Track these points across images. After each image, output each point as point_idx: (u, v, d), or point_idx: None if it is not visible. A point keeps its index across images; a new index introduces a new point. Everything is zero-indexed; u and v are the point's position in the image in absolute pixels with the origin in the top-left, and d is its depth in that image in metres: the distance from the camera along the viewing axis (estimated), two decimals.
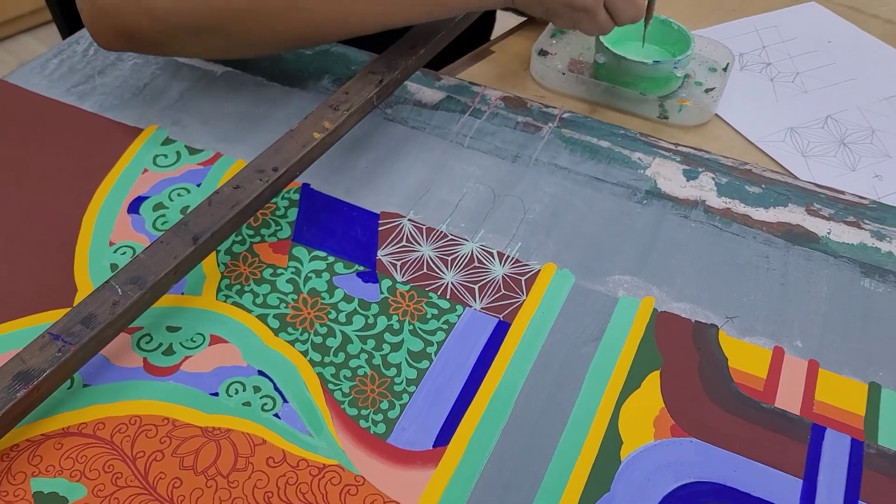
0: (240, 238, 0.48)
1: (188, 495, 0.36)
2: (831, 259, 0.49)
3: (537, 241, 0.49)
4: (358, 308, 0.45)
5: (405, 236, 0.49)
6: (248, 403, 0.40)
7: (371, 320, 0.44)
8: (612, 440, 0.39)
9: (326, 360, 0.42)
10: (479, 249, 0.48)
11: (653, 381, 0.42)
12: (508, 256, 0.48)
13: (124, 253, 0.47)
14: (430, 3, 0.50)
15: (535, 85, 0.63)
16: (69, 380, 0.40)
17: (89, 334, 0.37)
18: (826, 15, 0.73)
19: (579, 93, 0.62)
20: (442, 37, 0.58)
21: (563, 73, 0.62)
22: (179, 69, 0.61)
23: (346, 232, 0.49)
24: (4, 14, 1.79)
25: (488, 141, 0.56)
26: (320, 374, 0.41)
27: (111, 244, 0.47)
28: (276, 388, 0.41)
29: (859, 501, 0.38)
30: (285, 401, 0.40)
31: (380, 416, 0.40)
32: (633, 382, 0.42)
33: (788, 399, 0.42)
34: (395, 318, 0.44)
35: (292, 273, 0.46)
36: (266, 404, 0.40)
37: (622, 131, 0.57)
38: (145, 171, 0.52)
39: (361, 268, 0.47)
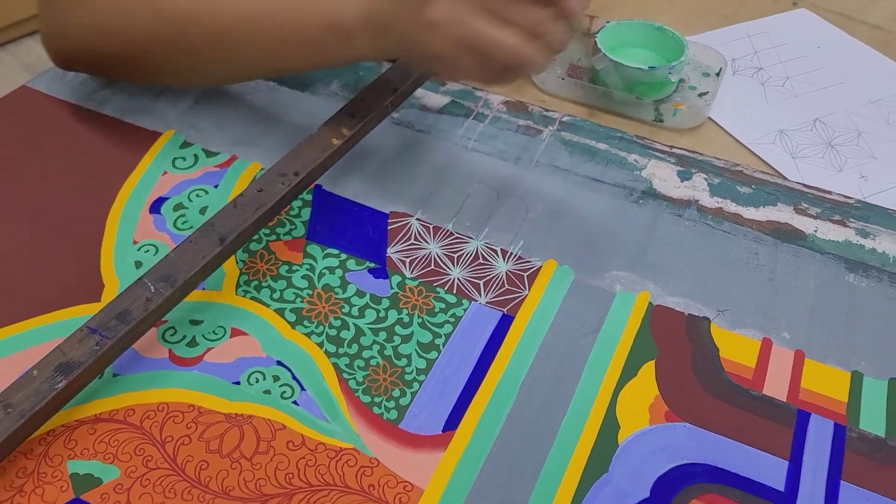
0: (257, 237, 0.50)
1: (214, 476, 0.39)
2: (818, 255, 0.52)
3: (539, 239, 0.52)
4: (370, 302, 0.47)
5: (413, 235, 0.51)
6: (268, 391, 0.42)
7: (382, 314, 0.47)
8: (609, 425, 0.42)
9: (341, 351, 0.45)
10: (483, 247, 0.51)
11: (648, 370, 0.45)
12: (511, 253, 0.51)
13: (147, 251, 0.49)
14: (330, 56, 0.50)
15: (536, 90, 0.66)
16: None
17: (124, 329, 0.40)
18: (816, 21, 0.76)
19: (578, 97, 0.64)
20: None
21: (563, 79, 0.64)
22: None
23: (357, 231, 0.51)
24: (8, 17, 1.81)
25: (491, 144, 0.58)
26: (335, 365, 0.44)
27: (135, 242, 0.50)
28: (294, 377, 0.43)
29: (841, 481, 0.40)
30: (303, 389, 0.43)
31: (392, 403, 0.42)
32: (629, 371, 0.44)
33: (776, 387, 0.44)
34: (404, 311, 0.47)
35: (307, 270, 0.49)
36: (285, 392, 0.42)
37: (619, 134, 0.60)
38: (165, 173, 0.55)
39: (372, 264, 0.49)
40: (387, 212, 0.53)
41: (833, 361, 0.46)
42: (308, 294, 0.47)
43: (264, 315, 0.46)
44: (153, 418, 0.41)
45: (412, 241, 0.51)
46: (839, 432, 0.42)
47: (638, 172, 0.57)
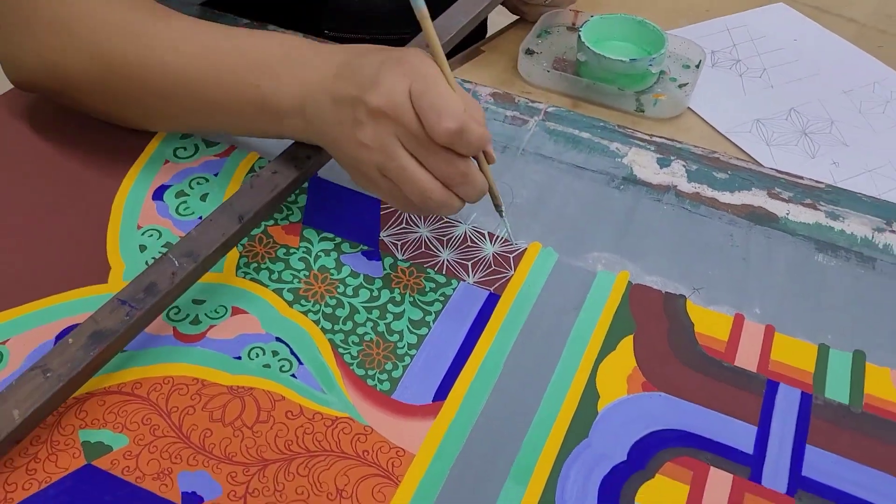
0: None
1: (218, 443, 0.41)
2: (789, 237, 0.54)
3: (524, 223, 0.54)
4: (363, 283, 0.50)
5: (404, 219, 0.54)
6: (267, 366, 0.45)
7: (375, 293, 0.49)
8: (590, 395, 0.45)
9: (336, 328, 0.47)
10: (471, 230, 0.53)
11: (627, 344, 0.47)
12: (498, 237, 0.53)
13: (151, 235, 0.52)
14: (261, 130, 0.51)
15: (522, 82, 0.68)
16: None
17: (152, 300, 0.42)
18: (793, 15, 0.79)
19: (563, 89, 0.67)
20: (450, 39, 0.64)
21: (548, 71, 0.67)
22: None
23: (352, 216, 0.54)
24: None
25: None
26: (331, 340, 0.46)
27: (139, 227, 0.52)
28: (292, 352, 0.46)
29: (807, 445, 0.43)
30: (300, 363, 0.45)
31: (385, 376, 0.45)
32: (609, 345, 0.47)
33: (747, 359, 0.47)
34: (396, 291, 0.49)
35: (303, 252, 0.51)
36: (283, 366, 0.45)
37: (601, 123, 0.62)
38: (166, 162, 0.57)
39: (365, 247, 0.52)
40: (381, 200, 0.55)
41: (801, 335, 0.48)
42: (305, 275, 0.50)
43: (263, 295, 0.49)
44: (159, 391, 0.43)
45: (403, 225, 0.54)
46: (805, 400, 0.45)
47: (619, 160, 0.59)
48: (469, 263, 0.51)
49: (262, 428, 0.42)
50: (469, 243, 0.53)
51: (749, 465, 0.42)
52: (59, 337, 0.45)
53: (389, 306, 0.48)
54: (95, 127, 0.58)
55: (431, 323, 0.48)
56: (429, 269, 0.51)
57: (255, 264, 0.50)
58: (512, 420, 0.43)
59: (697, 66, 0.68)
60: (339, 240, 0.52)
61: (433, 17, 0.46)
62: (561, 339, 0.47)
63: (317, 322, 0.47)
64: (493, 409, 0.44)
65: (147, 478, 0.40)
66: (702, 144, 0.62)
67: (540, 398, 0.44)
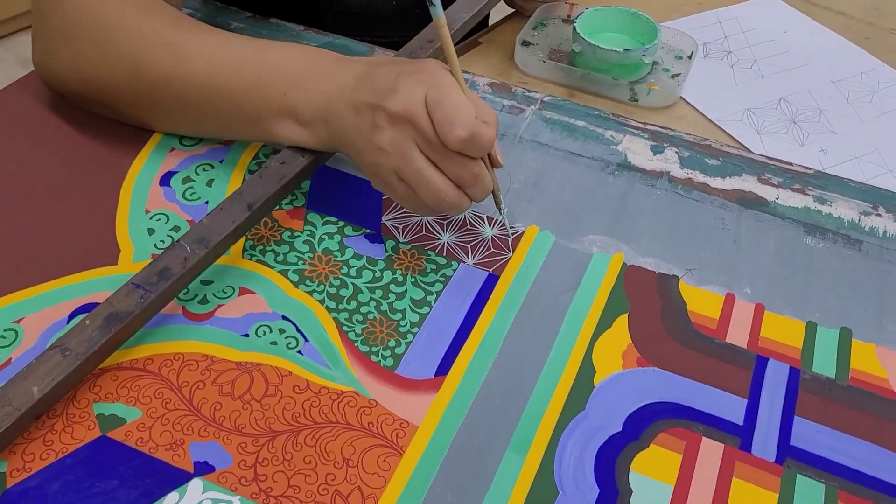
0: None
1: (228, 416, 0.43)
2: (779, 220, 0.56)
3: (522, 208, 0.56)
4: (366, 264, 0.51)
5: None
6: (274, 343, 0.46)
7: (378, 274, 0.51)
8: (586, 370, 0.46)
9: (341, 307, 0.49)
10: (471, 214, 0.55)
11: (622, 322, 0.49)
12: (496, 220, 0.55)
13: (159, 219, 0.53)
14: (284, 139, 0.53)
15: (519, 72, 0.70)
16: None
17: (165, 284, 0.44)
18: (783, 8, 0.80)
19: (558, 79, 0.68)
20: (453, 34, 0.65)
21: (544, 61, 0.68)
22: None
23: (354, 201, 0.55)
24: (4, 13, 1.84)
25: None
26: (335, 319, 0.48)
27: (147, 212, 0.53)
28: (298, 330, 0.47)
29: (795, 416, 0.45)
30: (306, 340, 0.47)
31: (388, 352, 0.46)
32: (604, 323, 0.49)
33: (737, 335, 0.49)
34: (398, 272, 0.51)
35: (308, 235, 0.53)
36: (290, 343, 0.46)
37: (596, 112, 0.64)
38: (173, 149, 0.58)
39: (368, 231, 0.53)
40: None
41: (790, 313, 0.50)
42: (309, 257, 0.51)
43: (269, 276, 0.50)
44: (170, 366, 0.45)
45: (404, 210, 0.55)
46: (794, 374, 0.47)
47: (614, 147, 0.61)
48: (469, 246, 0.53)
49: (271, 401, 0.44)
50: (468, 227, 0.54)
51: (739, 435, 0.44)
52: (72, 316, 0.47)
53: (392, 286, 0.50)
54: (104, 117, 0.59)
55: (433, 302, 0.49)
56: (430, 252, 0.52)
57: (261, 247, 0.52)
58: (511, 394, 0.45)
59: (690, 57, 0.70)
60: (342, 223, 0.54)
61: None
62: (558, 318, 0.49)
63: (321, 301, 0.49)
64: (493, 383, 0.45)
65: (160, 448, 0.41)
66: (694, 133, 0.63)
67: (538, 373, 0.46)
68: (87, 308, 0.47)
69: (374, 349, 0.47)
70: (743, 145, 0.64)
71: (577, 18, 0.68)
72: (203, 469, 0.40)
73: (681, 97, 0.68)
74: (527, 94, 0.66)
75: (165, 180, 0.56)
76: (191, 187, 0.55)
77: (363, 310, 0.49)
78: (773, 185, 0.59)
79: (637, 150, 0.61)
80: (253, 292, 0.49)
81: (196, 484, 0.40)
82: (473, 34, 0.76)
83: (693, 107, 0.67)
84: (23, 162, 0.56)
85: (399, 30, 0.76)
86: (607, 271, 0.52)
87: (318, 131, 0.51)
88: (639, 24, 0.69)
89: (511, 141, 0.61)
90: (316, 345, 0.46)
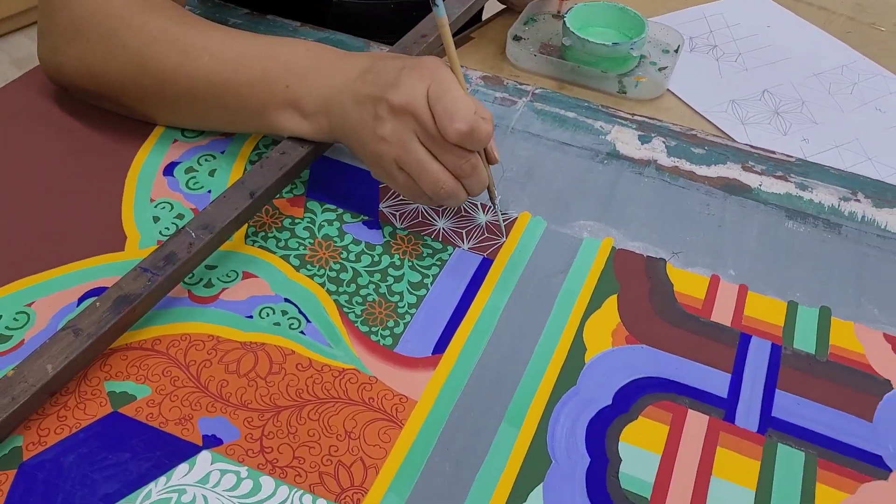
0: None
1: (234, 392, 0.45)
2: (762, 206, 0.58)
3: (514, 195, 0.58)
4: (365, 249, 0.53)
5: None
6: (277, 324, 0.48)
7: (377, 258, 0.53)
8: (577, 347, 0.48)
9: (341, 289, 0.50)
10: (466, 203, 0.57)
11: (611, 302, 0.51)
12: (490, 207, 0.57)
13: (164, 208, 0.55)
14: (289, 130, 0.54)
15: (511, 66, 0.72)
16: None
17: (172, 268, 0.46)
18: (767, 3, 0.83)
19: (549, 72, 0.71)
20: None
21: (535, 55, 0.70)
22: None
23: (352, 189, 0.57)
24: None
25: None
26: (336, 301, 0.50)
27: (151, 200, 0.55)
28: (301, 312, 0.49)
29: (776, 390, 0.47)
30: (308, 321, 0.48)
31: (387, 332, 0.48)
32: (594, 304, 0.51)
33: (722, 314, 0.51)
34: (396, 256, 0.53)
35: (308, 222, 0.55)
36: (293, 324, 0.48)
37: (586, 104, 0.66)
38: (175, 141, 0.60)
39: (366, 217, 0.55)
40: None
41: (772, 293, 0.52)
42: (310, 243, 0.53)
43: (271, 261, 0.52)
44: (177, 346, 0.47)
45: (401, 197, 0.57)
46: (776, 351, 0.49)
47: (603, 137, 0.63)
48: (463, 231, 0.55)
49: (275, 378, 0.45)
50: (463, 213, 0.56)
51: (724, 407, 0.46)
52: (82, 299, 0.48)
53: (390, 270, 0.52)
54: (107, 111, 0.61)
55: (429, 285, 0.51)
56: (426, 237, 0.54)
57: (263, 233, 0.54)
58: (506, 370, 0.47)
59: (676, 51, 0.72)
60: (340, 211, 0.56)
61: (429, 9, 0.50)
62: (550, 299, 0.51)
63: (322, 285, 0.51)
64: (488, 360, 0.47)
65: (169, 423, 0.43)
66: (681, 123, 0.66)
67: (531, 351, 0.48)
68: (95, 292, 0.49)
69: (373, 329, 0.48)
70: (728, 135, 0.66)
71: (566, 13, 0.70)
72: (211, 442, 0.42)
73: (668, 89, 0.70)
74: (518, 86, 0.68)
75: (169, 170, 0.58)
76: (193, 177, 0.57)
77: (362, 292, 0.50)
78: (756, 172, 0.61)
79: (625, 140, 0.63)
80: (256, 276, 0.51)
81: (205, 456, 0.42)
82: (466, 29, 0.78)
83: (680, 98, 0.70)
84: (29, 154, 0.58)
85: (397, 31, 0.78)
86: (597, 255, 0.54)
87: (319, 122, 0.53)
88: (627, 18, 0.71)
89: (503, 132, 0.63)
90: (318, 325, 0.48)
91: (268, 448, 0.42)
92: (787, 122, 0.68)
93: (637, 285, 0.52)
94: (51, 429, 0.42)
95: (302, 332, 0.48)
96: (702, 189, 0.59)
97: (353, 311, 0.49)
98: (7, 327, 0.47)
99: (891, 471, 0.43)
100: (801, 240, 0.56)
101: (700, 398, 0.46)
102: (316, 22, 0.75)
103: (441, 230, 0.55)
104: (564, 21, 0.69)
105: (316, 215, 0.55)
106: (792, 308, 0.51)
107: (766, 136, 0.66)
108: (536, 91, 0.67)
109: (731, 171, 0.61)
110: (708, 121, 0.68)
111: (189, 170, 0.58)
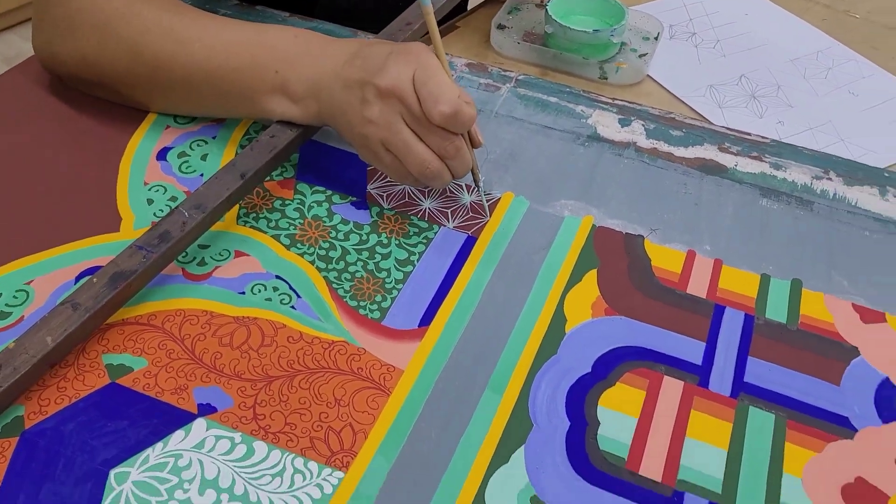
0: None
1: (228, 364, 0.46)
2: (737, 185, 0.60)
3: (498, 176, 0.60)
4: (353, 228, 0.55)
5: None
6: (269, 299, 0.50)
7: (364, 237, 0.54)
8: (558, 319, 0.50)
9: (330, 267, 0.52)
10: (451, 184, 0.59)
11: (591, 277, 0.53)
12: (474, 189, 0.58)
13: (157, 191, 0.56)
14: (278, 114, 0.56)
15: (495, 54, 0.74)
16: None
17: (166, 246, 0.47)
18: None
19: (532, 59, 0.72)
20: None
21: (519, 43, 0.72)
22: None
23: (341, 172, 0.59)
24: None
25: None
26: (325, 277, 0.52)
27: (146, 184, 0.57)
28: (291, 288, 0.51)
29: (749, 356, 0.49)
30: (299, 296, 0.50)
31: (375, 306, 0.50)
32: (575, 278, 0.53)
33: (697, 287, 0.53)
34: (383, 235, 0.55)
35: (298, 203, 0.56)
36: (283, 299, 0.50)
37: (568, 89, 0.68)
38: (168, 127, 0.62)
39: (354, 198, 0.57)
40: None
41: (746, 267, 0.54)
42: (300, 223, 0.55)
43: (263, 240, 0.54)
44: (172, 321, 0.48)
45: (388, 179, 0.59)
46: (748, 320, 0.51)
47: (584, 120, 0.65)
48: (448, 211, 0.57)
49: (267, 350, 0.47)
50: (448, 194, 0.58)
51: (698, 374, 0.48)
52: (79, 277, 0.50)
53: (377, 248, 0.54)
54: (101, 99, 0.62)
55: (416, 262, 0.53)
56: (412, 217, 0.56)
57: (254, 214, 0.55)
58: (489, 341, 0.49)
59: (656, 38, 0.74)
60: (329, 192, 0.57)
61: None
62: (532, 274, 0.53)
63: (312, 262, 0.52)
64: (472, 331, 0.49)
65: (166, 392, 0.45)
66: (660, 107, 0.67)
67: (514, 322, 0.50)
68: (92, 270, 0.50)
69: (361, 304, 0.50)
70: (705, 118, 0.68)
71: (549, 2, 0.72)
72: (206, 410, 0.44)
73: (648, 75, 0.72)
74: (502, 73, 0.69)
75: (162, 155, 0.59)
76: (186, 161, 0.59)
77: (351, 269, 0.52)
78: (732, 153, 0.63)
79: (606, 123, 0.65)
80: (248, 255, 0.53)
81: (200, 423, 0.43)
82: (451, 18, 0.79)
83: (659, 84, 0.72)
84: (26, 142, 0.60)
85: (383, 22, 0.80)
86: (578, 232, 0.56)
87: (308, 106, 0.54)
88: (608, 7, 0.73)
89: (488, 116, 0.65)
90: (308, 300, 0.50)
91: (260, 415, 0.44)
92: (763, 106, 0.70)
93: (616, 260, 0.54)
94: (51, 399, 0.44)
95: (293, 307, 0.50)
96: (679, 169, 0.61)
97: (342, 287, 0.51)
98: (7, 304, 0.48)
99: (856, 430, 0.45)
100: (775, 216, 0.58)
101: (675, 365, 0.48)
102: (304, 12, 0.76)
103: (427, 210, 0.57)
104: (547, 9, 0.71)
105: (305, 197, 0.57)
106: (765, 281, 0.53)
107: (743, 119, 0.68)
108: (520, 77, 0.69)
109: (708, 152, 0.63)
110: (686, 105, 0.70)
111: (182, 154, 0.59)
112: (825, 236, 0.57)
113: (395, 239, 0.54)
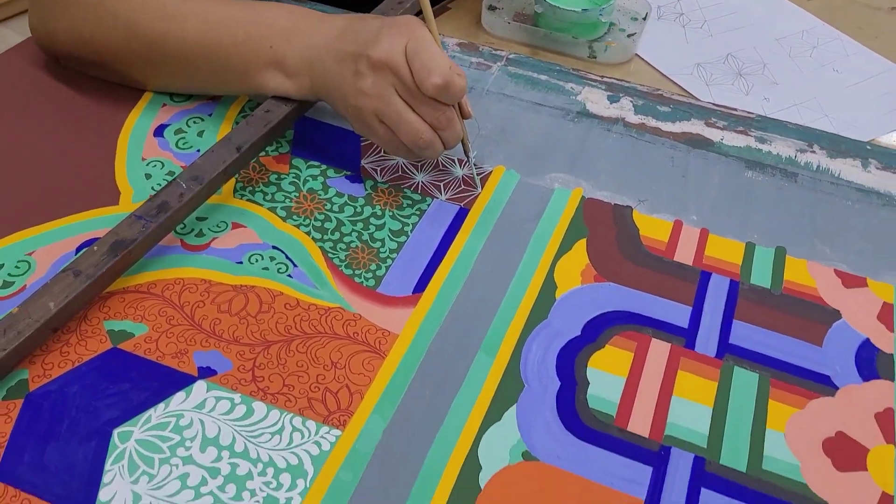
0: None
1: (227, 329, 0.47)
2: (723, 158, 0.62)
3: (489, 151, 0.61)
4: (348, 201, 0.56)
5: (383, 149, 0.60)
6: (266, 268, 0.51)
7: (359, 209, 0.56)
8: (549, 286, 0.51)
9: (326, 237, 0.53)
10: (443, 157, 0.60)
11: (580, 246, 0.54)
12: (466, 161, 0.60)
13: (155, 166, 0.57)
14: (271, 89, 0.57)
15: (486, 34, 0.75)
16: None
17: (164, 216, 0.49)
18: None
19: (522, 38, 0.74)
20: None
21: (509, 23, 0.73)
22: None
23: (335, 147, 0.60)
24: None
25: None
26: (321, 247, 0.53)
27: (143, 159, 0.58)
28: (288, 258, 0.52)
29: (734, 320, 0.50)
30: (295, 266, 0.51)
31: (370, 274, 0.51)
32: (565, 247, 0.54)
33: (684, 255, 0.54)
34: (377, 207, 0.56)
35: (293, 177, 0.57)
36: (280, 268, 0.51)
37: (558, 67, 0.69)
38: (164, 105, 0.63)
39: (349, 172, 0.58)
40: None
41: (731, 235, 0.56)
42: (295, 196, 0.56)
43: (259, 212, 0.55)
44: (172, 289, 0.49)
45: (381, 154, 0.60)
46: (734, 286, 0.52)
47: (574, 97, 0.66)
48: (441, 184, 0.58)
49: (265, 317, 0.48)
50: (441, 168, 0.59)
51: (684, 336, 0.49)
52: (80, 248, 0.51)
53: (372, 219, 0.55)
54: (98, 79, 0.63)
55: (409, 232, 0.54)
56: (406, 189, 0.57)
57: (251, 188, 0.56)
58: (481, 307, 0.50)
59: (644, 18, 0.75)
60: (324, 167, 0.59)
61: None
62: (523, 243, 0.54)
63: (308, 233, 0.54)
64: (465, 298, 0.50)
65: (166, 357, 0.46)
66: (648, 84, 0.69)
67: (505, 289, 0.51)
68: (92, 242, 0.51)
69: (357, 272, 0.51)
70: (693, 95, 0.69)
71: None
72: (206, 373, 0.45)
73: (636, 54, 0.73)
74: (493, 52, 0.71)
75: (159, 132, 0.60)
76: (183, 137, 0.60)
77: (346, 239, 0.53)
78: (718, 128, 0.64)
79: (595, 100, 0.66)
80: (244, 226, 0.54)
81: (200, 385, 0.45)
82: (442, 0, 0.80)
83: (647, 63, 0.73)
84: (23, 121, 0.61)
85: (375, 4, 0.81)
86: (567, 203, 0.57)
87: (302, 81, 0.56)
88: None
89: (479, 93, 0.66)
90: (304, 269, 0.51)
91: (259, 377, 0.45)
92: (749, 83, 0.71)
93: (605, 230, 0.55)
94: (55, 363, 0.45)
95: (289, 276, 0.51)
96: (667, 144, 0.62)
97: (338, 257, 0.52)
98: (10, 274, 0.49)
99: (837, 388, 0.47)
100: (760, 188, 0.59)
101: (663, 328, 0.49)
102: None
103: (420, 183, 0.58)
104: None
105: (301, 171, 0.58)
106: (750, 248, 0.55)
107: (729, 96, 0.70)
108: (510, 56, 0.70)
109: (695, 126, 0.64)
110: (674, 83, 0.71)
111: (178, 131, 0.61)
112: (809, 206, 0.58)
113: (389, 210, 0.56)
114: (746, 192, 0.59)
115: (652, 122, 0.64)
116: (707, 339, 0.49)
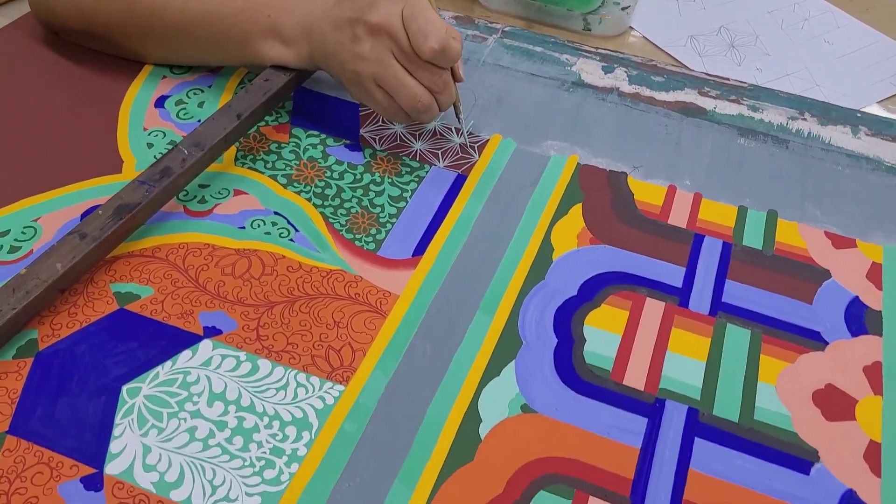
0: None
1: (231, 291, 0.48)
2: (716, 126, 0.63)
3: (486, 120, 0.62)
4: (347, 168, 0.57)
5: (381, 118, 0.61)
6: (268, 233, 0.52)
7: (359, 176, 0.56)
8: (546, 248, 0.52)
9: (326, 203, 0.54)
10: (440, 126, 0.61)
11: (576, 210, 0.55)
12: (463, 130, 0.61)
13: (156, 136, 0.58)
14: (271, 58, 0.57)
15: (482, 8, 0.76)
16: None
17: (167, 181, 0.49)
18: None
19: (518, 12, 0.74)
20: None
21: None
22: None
23: (334, 117, 0.61)
24: None
25: None
26: (322, 213, 0.54)
27: (145, 129, 0.59)
28: (289, 223, 0.53)
29: (727, 279, 0.51)
30: (297, 230, 0.52)
31: (370, 238, 0.52)
32: (561, 211, 0.55)
33: (678, 218, 0.55)
34: (377, 174, 0.57)
35: (293, 146, 0.58)
36: (282, 233, 0.52)
37: (553, 39, 0.70)
38: (164, 77, 0.63)
39: (348, 141, 0.59)
40: (358, 102, 0.62)
41: (724, 200, 0.57)
42: (296, 164, 0.57)
43: (260, 179, 0.56)
44: (176, 253, 0.50)
45: (380, 123, 0.61)
46: (726, 247, 0.53)
47: (569, 68, 0.67)
48: (439, 152, 0.59)
49: (268, 279, 0.49)
50: (438, 136, 0.60)
51: (678, 295, 0.50)
52: (84, 215, 0.52)
53: (371, 186, 0.56)
54: (97, 52, 0.64)
55: (408, 198, 0.55)
56: (404, 157, 0.58)
57: (252, 156, 0.57)
58: (480, 268, 0.51)
59: None
60: (323, 136, 0.59)
61: None
62: (520, 207, 0.55)
63: (309, 199, 0.54)
64: (464, 259, 0.51)
65: (172, 317, 0.47)
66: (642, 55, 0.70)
67: (503, 251, 0.52)
68: (96, 208, 0.52)
69: (357, 236, 0.52)
70: (686, 66, 0.70)
71: None
72: (211, 332, 0.46)
73: (630, 27, 0.74)
74: (489, 25, 0.71)
75: (160, 103, 0.61)
76: (184, 108, 0.61)
77: (346, 205, 0.54)
78: (711, 97, 0.65)
79: (590, 71, 0.67)
80: (246, 193, 0.55)
81: (206, 343, 0.46)
82: None
83: (641, 35, 0.74)
84: (25, 94, 0.61)
85: None
86: (563, 169, 0.58)
87: (300, 49, 0.56)
88: None
89: (475, 65, 0.67)
90: (305, 234, 0.52)
91: (264, 336, 0.46)
92: (741, 55, 0.72)
93: (600, 195, 0.56)
94: (63, 324, 0.46)
95: (291, 240, 0.52)
96: (661, 112, 0.63)
97: (338, 222, 0.53)
98: (16, 239, 0.50)
99: (827, 343, 0.48)
100: (752, 154, 0.60)
101: (657, 288, 0.50)
102: None
103: (418, 151, 0.59)
104: None
105: (301, 140, 0.59)
106: (742, 212, 0.56)
107: (722, 67, 0.71)
108: (506, 29, 0.71)
109: (689, 95, 0.65)
110: (668, 54, 0.72)
111: (179, 102, 0.61)
112: (800, 171, 0.59)
113: (388, 177, 0.56)
114: (739, 158, 0.60)
115: (646, 92, 0.65)
116: (700, 298, 0.50)
